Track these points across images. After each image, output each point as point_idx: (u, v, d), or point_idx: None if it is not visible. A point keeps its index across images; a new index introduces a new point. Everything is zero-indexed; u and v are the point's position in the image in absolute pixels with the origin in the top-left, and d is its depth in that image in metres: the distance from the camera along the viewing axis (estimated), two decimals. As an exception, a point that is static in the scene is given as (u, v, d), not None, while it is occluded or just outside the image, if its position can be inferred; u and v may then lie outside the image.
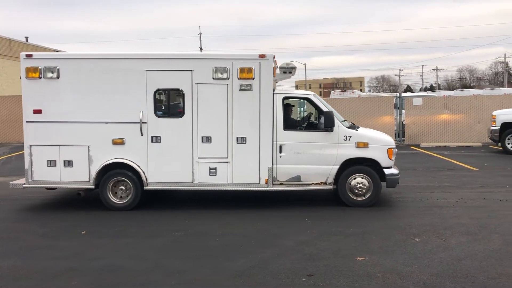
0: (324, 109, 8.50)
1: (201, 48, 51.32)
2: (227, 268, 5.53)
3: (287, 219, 7.72)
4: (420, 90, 77.63)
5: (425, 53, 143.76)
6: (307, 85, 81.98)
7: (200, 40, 61.41)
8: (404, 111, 19.11)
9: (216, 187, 8.40)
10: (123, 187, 8.41)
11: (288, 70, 8.94)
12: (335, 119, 8.37)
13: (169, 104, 8.53)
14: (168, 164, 8.32)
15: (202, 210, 8.34)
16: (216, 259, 5.83)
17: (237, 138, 8.28)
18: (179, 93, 8.33)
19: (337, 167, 8.46)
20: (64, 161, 8.35)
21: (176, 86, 8.32)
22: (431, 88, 78.38)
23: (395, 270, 5.38)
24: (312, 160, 8.45)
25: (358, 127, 8.84)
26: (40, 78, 8.26)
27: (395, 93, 22.03)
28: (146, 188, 8.35)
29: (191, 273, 5.41)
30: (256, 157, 8.31)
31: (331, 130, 8.39)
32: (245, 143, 8.28)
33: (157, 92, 8.33)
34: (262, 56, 8.22)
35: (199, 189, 8.47)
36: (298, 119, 9.27)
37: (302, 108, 15.64)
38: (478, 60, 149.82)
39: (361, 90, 73.91)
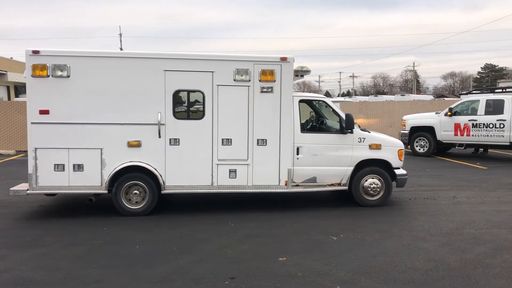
0: (340, 112, 8.79)
1: (121, 48, 49.65)
2: (148, 275, 5.38)
3: (210, 223, 7.68)
4: (338, 96, 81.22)
5: (344, 61, 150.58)
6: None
7: (121, 41, 59.54)
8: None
9: (236, 189, 8.30)
10: (137, 192, 8.07)
11: (301, 73, 9.07)
12: None
13: (189, 105, 8.26)
14: (187, 167, 8.09)
15: (121, 217, 8.04)
16: (136, 267, 5.65)
17: (258, 140, 8.25)
18: (199, 95, 8.10)
19: (352, 168, 8.76)
20: (74, 165, 7.82)
21: (196, 87, 8.09)
22: (348, 94, 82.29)
23: (315, 269, 5.56)
24: (329, 162, 8.67)
25: (368, 130, 9.17)
26: (48, 76, 7.66)
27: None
28: (163, 192, 8.09)
29: (109, 282, 5.18)
30: (276, 159, 8.33)
31: (352, 132, 8.68)
32: (266, 145, 8.27)
33: (176, 93, 8.04)
34: (283, 59, 8.23)
35: (219, 192, 8.27)
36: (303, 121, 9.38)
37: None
38: (390, 68, 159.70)
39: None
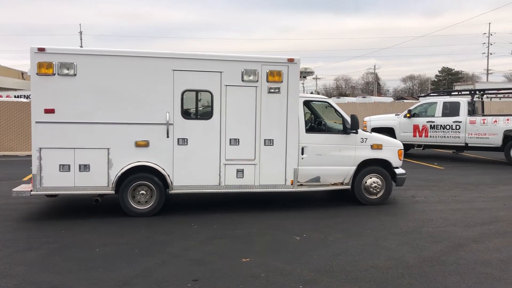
0: (343, 113, 8.98)
1: (81, 46, 48.46)
2: (109, 279, 5.24)
3: (173, 225, 7.58)
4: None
5: (307, 62, 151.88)
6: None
7: (81, 39, 57.93)
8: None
9: (243, 189, 8.34)
10: (143, 192, 7.98)
11: (304, 74, 9.16)
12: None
13: (197, 105, 8.18)
14: (195, 166, 8.08)
15: (79, 219, 7.82)
16: (96, 270, 5.50)
17: (265, 140, 8.32)
18: (208, 95, 8.07)
19: (354, 167, 8.93)
20: (80, 165, 7.66)
21: (204, 87, 8.06)
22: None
23: (278, 269, 5.57)
24: (332, 162, 8.82)
25: (368, 130, 9.16)
26: (54, 74, 7.46)
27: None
28: (171, 192, 8.05)
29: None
30: (283, 159, 8.42)
31: (356, 133, 8.87)
32: (272, 145, 8.34)
33: (185, 92, 7.98)
34: (290, 60, 8.29)
35: (226, 191, 8.26)
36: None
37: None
38: (352, 70, 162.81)
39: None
